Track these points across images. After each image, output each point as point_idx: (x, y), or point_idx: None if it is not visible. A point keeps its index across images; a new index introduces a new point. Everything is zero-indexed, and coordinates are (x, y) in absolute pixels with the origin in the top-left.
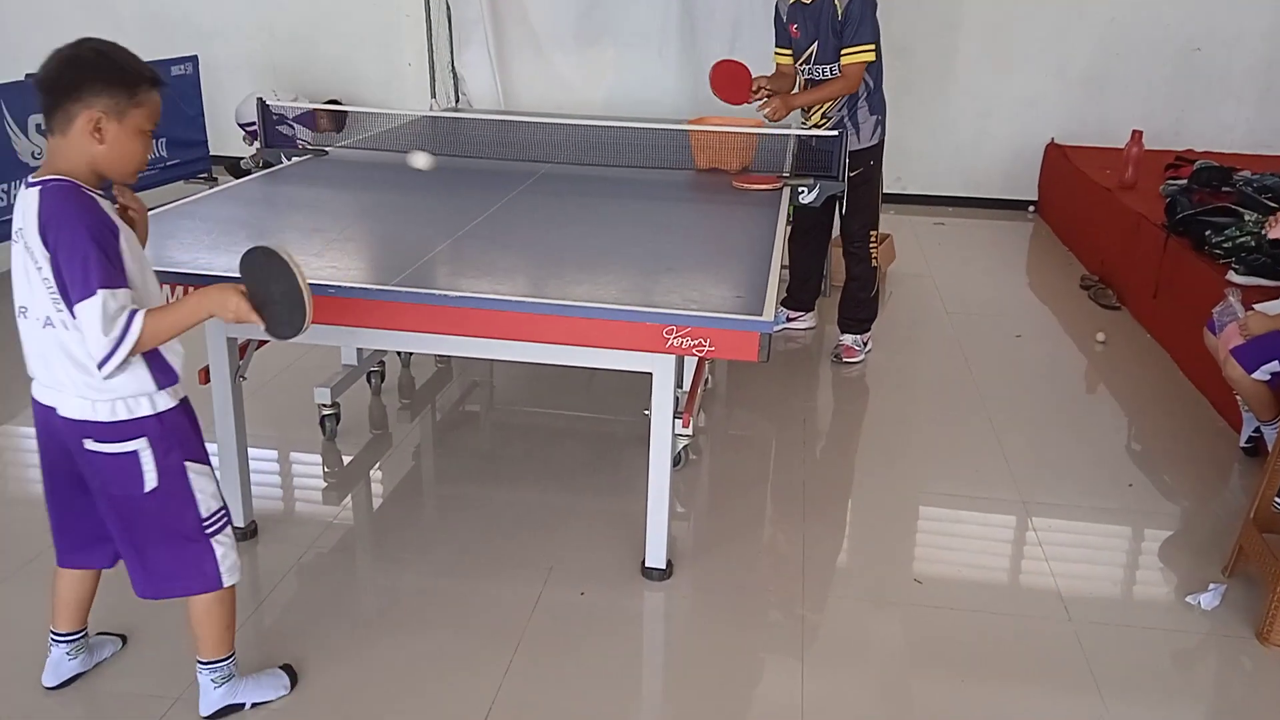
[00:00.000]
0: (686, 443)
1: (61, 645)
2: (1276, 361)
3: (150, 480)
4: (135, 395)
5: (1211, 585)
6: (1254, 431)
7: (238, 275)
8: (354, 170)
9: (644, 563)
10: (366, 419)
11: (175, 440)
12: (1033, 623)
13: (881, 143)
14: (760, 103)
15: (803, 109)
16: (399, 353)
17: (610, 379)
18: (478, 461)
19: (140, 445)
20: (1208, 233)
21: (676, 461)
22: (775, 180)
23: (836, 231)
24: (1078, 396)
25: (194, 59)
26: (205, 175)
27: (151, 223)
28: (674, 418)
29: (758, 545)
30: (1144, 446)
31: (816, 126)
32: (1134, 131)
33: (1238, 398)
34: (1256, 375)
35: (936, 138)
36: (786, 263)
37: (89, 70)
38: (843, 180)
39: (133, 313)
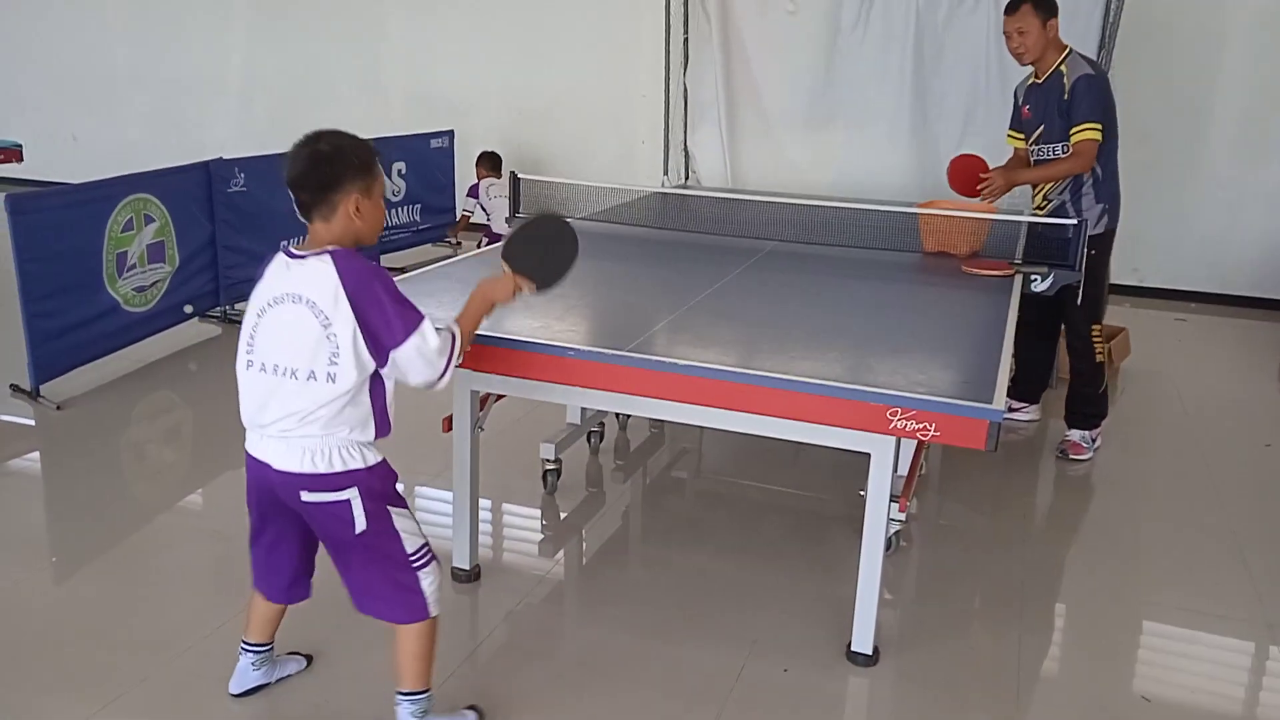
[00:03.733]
0: (898, 528)
1: (249, 655)
2: None
3: (360, 524)
4: (351, 445)
5: None
6: None
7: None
8: (589, 241)
9: (849, 646)
10: (584, 476)
11: (380, 488)
12: None
13: (1109, 233)
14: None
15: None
16: (617, 415)
17: (815, 456)
18: (684, 526)
19: (351, 495)
20: None
21: (888, 546)
22: (1007, 266)
23: None
24: None
25: (450, 133)
26: (448, 240)
27: (412, 282)
28: (890, 500)
29: (969, 642)
30: None
31: (1038, 210)
32: None
33: None
34: None
35: (1179, 229)
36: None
37: (340, 164)
38: (1079, 270)
39: (447, 327)
